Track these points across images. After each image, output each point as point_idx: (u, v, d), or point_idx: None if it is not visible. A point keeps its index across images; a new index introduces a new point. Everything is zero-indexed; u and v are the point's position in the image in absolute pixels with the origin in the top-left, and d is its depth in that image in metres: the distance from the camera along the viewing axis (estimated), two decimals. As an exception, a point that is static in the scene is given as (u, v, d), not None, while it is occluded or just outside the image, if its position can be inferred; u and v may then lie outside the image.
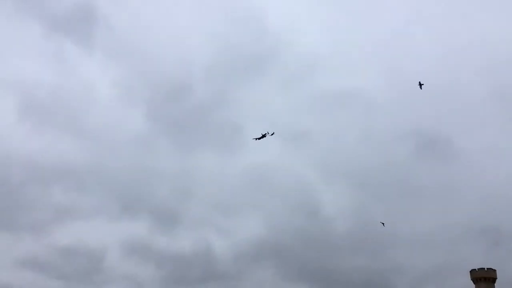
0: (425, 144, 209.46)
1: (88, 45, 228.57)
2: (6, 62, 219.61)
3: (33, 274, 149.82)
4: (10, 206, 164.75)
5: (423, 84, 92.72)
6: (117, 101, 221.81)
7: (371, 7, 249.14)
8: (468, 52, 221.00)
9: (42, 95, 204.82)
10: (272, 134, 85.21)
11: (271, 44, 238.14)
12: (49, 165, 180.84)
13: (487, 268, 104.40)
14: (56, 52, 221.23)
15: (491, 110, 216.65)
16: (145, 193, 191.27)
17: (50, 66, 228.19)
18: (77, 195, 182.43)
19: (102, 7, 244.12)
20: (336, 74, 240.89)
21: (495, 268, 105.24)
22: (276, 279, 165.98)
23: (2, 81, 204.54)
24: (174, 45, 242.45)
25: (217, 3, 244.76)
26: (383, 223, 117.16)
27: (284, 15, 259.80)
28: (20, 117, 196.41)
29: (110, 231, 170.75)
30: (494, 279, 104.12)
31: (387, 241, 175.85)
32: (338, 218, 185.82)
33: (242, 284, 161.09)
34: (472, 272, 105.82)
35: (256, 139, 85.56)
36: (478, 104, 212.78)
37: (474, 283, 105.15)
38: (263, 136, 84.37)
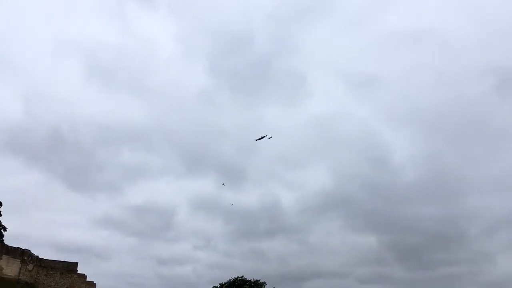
0: (505, 82, 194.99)
1: (150, 0, 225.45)
2: (70, 23, 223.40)
3: (108, 232, 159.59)
4: (83, 168, 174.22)
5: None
6: (179, 57, 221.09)
7: None
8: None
9: (106, 55, 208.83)
10: (270, 138, 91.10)
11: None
12: (116, 126, 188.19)
13: None
14: (118, 9, 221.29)
15: None
16: (210, 149, 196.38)
17: (113, 24, 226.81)
18: (145, 155, 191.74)
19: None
20: (405, 12, 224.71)
21: None
22: (344, 230, 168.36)
23: (67, 43, 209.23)
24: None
25: None
26: None
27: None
28: (87, 79, 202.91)
29: (179, 189, 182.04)
30: None
31: (459, 187, 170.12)
32: (407, 166, 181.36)
33: (309, 236, 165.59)
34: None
35: (256, 140, 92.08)
36: None
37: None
38: (262, 137, 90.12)
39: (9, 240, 79.63)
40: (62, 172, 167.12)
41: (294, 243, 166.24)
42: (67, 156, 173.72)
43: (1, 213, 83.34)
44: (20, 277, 71.81)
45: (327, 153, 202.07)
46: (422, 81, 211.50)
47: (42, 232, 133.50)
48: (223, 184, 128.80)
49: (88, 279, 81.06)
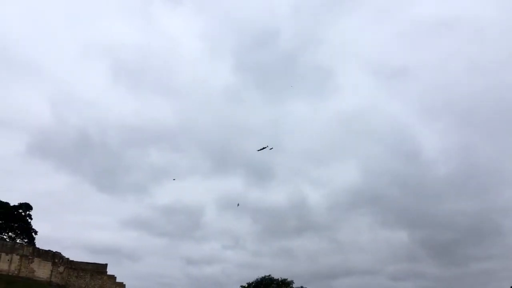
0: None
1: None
2: (95, 25, 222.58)
3: (137, 233, 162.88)
4: (112, 169, 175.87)
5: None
6: (204, 55, 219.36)
7: None
8: None
9: (132, 56, 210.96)
10: (271, 149, 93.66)
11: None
12: (143, 127, 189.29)
13: None
14: (142, 8, 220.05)
15: None
16: (236, 148, 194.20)
17: (137, 24, 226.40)
18: (172, 155, 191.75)
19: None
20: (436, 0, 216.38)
21: None
22: (374, 227, 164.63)
23: (93, 45, 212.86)
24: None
25: None
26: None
27: None
28: (113, 81, 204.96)
29: (206, 188, 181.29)
30: None
31: (493, 181, 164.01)
32: (439, 160, 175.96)
33: (339, 233, 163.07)
34: None
35: (258, 150, 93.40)
36: None
37: None
38: (264, 148, 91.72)
39: (40, 243, 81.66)
40: (91, 174, 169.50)
41: (323, 240, 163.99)
42: (95, 158, 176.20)
43: (32, 216, 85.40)
44: (51, 279, 73.29)
45: (356, 148, 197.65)
46: (454, 71, 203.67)
47: (72, 234, 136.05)
48: (173, 179, 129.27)
49: (117, 280, 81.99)
